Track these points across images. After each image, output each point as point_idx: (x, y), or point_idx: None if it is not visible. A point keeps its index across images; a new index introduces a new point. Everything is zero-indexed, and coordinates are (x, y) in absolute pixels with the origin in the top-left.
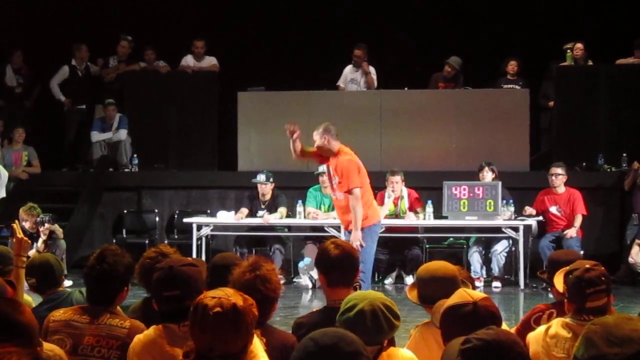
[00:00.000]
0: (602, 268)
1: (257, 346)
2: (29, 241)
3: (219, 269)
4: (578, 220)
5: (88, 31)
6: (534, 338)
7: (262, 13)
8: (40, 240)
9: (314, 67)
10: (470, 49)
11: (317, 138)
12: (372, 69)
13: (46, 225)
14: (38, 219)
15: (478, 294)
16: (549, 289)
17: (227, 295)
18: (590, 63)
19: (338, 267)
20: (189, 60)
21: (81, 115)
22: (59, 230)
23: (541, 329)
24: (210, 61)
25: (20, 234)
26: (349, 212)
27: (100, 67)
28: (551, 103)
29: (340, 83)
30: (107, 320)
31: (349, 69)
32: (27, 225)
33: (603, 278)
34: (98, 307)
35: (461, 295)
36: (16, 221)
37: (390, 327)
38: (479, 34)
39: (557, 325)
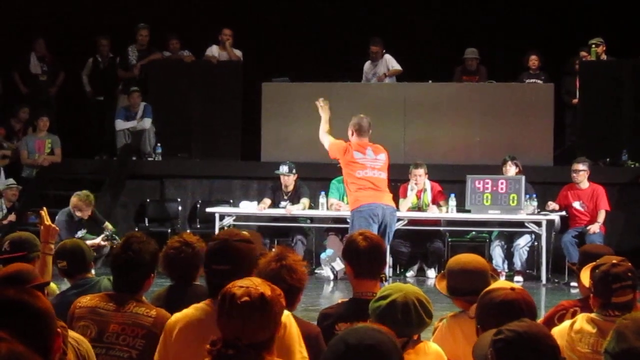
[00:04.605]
0: (629, 264)
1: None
2: (57, 228)
3: None
4: (601, 216)
5: (112, 19)
6: (559, 333)
7: (286, 3)
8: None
9: (338, 58)
10: (494, 42)
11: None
12: (390, 57)
13: (108, 242)
14: (108, 233)
15: (517, 286)
16: (571, 284)
17: (255, 284)
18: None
19: (365, 258)
20: (214, 51)
21: (99, 106)
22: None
23: (566, 324)
24: (235, 53)
25: (47, 221)
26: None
27: (118, 64)
28: (575, 100)
29: (364, 82)
30: (133, 309)
31: (367, 65)
32: (80, 214)
33: (629, 274)
34: (124, 294)
35: (501, 283)
36: (44, 208)
37: (420, 323)
38: (502, 27)
39: (582, 321)
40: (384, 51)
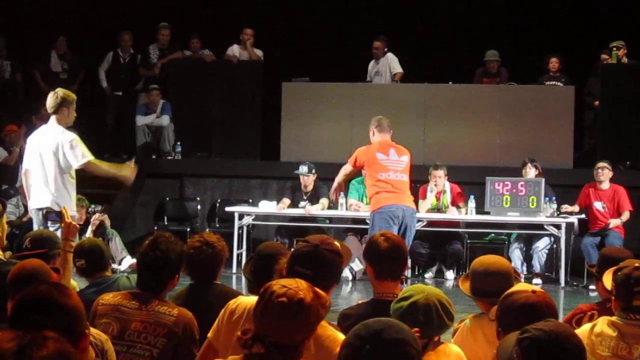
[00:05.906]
0: None
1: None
2: (77, 226)
3: (264, 258)
4: (625, 215)
5: (133, 18)
6: (579, 336)
7: (307, 4)
8: (89, 231)
9: (358, 58)
10: (516, 44)
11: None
12: (393, 57)
13: (97, 215)
14: (89, 209)
15: (538, 288)
16: (590, 287)
17: (299, 287)
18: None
19: (387, 260)
20: (234, 50)
21: (117, 101)
22: (107, 220)
23: (586, 327)
24: (256, 53)
25: (68, 219)
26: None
27: (139, 62)
28: (596, 102)
29: (368, 80)
30: (155, 307)
31: (371, 64)
32: (76, 217)
33: None
34: (147, 293)
35: (522, 285)
36: (65, 206)
37: (441, 325)
38: (524, 29)
39: (602, 324)
40: (386, 49)
